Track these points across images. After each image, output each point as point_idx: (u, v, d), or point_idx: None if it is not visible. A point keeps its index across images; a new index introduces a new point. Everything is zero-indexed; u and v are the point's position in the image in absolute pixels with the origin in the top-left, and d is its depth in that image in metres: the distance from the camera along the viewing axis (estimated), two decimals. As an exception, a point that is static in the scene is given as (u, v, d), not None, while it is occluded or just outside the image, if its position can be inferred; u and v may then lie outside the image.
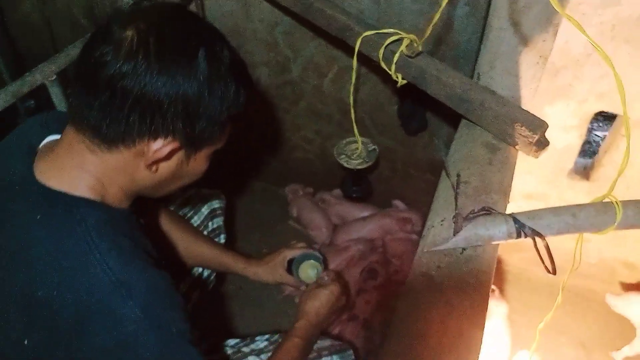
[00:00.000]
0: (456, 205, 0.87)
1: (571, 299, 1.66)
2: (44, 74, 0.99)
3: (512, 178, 0.96)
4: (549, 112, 1.34)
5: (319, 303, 1.12)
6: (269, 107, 1.82)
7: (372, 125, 1.72)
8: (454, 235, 0.81)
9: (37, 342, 0.65)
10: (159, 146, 0.69)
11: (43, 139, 0.77)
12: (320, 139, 1.86)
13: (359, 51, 1.17)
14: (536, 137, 0.96)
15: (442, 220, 0.86)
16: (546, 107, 1.33)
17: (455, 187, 0.91)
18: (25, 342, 0.64)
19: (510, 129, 0.99)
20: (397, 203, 1.85)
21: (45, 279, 0.64)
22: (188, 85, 0.66)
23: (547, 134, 0.99)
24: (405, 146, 1.72)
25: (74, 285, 0.63)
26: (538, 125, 0.97)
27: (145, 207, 1.03)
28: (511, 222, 0.79)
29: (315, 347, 1.11)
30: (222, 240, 1.42)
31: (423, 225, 1.74)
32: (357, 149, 1.38)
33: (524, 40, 0.98)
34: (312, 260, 1.27)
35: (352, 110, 1.31)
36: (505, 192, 0.93)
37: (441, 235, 0.83)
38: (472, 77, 1.11)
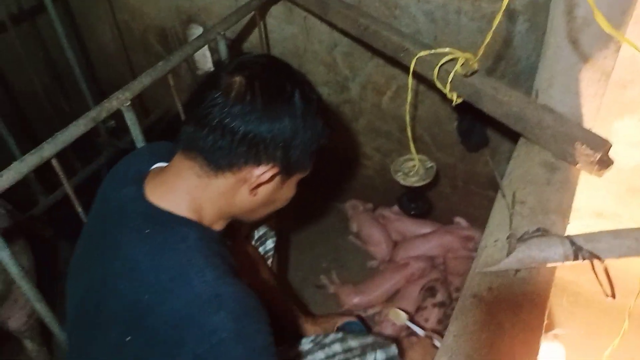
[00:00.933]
0: (510, 225, 0.86)
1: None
2: (120, 101, 1.09)
3: (572, 199, 0.94)
4: (617, 128, 1.28)
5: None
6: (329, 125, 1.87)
7: (432, 142, 1.71)
8: (507, 256, 0.80)
9: (139, 342, 0.72)
10: (262, 171, 0.79)
11: (152, 166, 0.88)
12: (380, 156, 1.88)
13: (415, 70, 1.19)
14: (598, 155, 0.93)
15: (495, 241, 0.86)
16: (615, 123, 1.28)
17: (510, 207, 0.90)
18: (128, 339, 0.72)
19: (570, 148, 0.96)
20: (459, 220, 1.82)
21: (151, 286, 0.73)
22: (288, 122, 0.78)
23: (618, 151, 0.96)
24: (465, 162, 1.70)
25: (175, 294, 0.71)
26: (600, 144, 0.94)
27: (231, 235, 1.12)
28: (567, 244, 0.78)
29: (358, 344, 1.15)
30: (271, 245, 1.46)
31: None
32: (414, 166, 1.39)
33: (584, 58, 0.95)
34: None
35: (409, 129, 1.32)
36: (564, 213, 0.90)
37: (494, 256, 0.83)
38: (531, 94, 1.10)
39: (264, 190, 0.84)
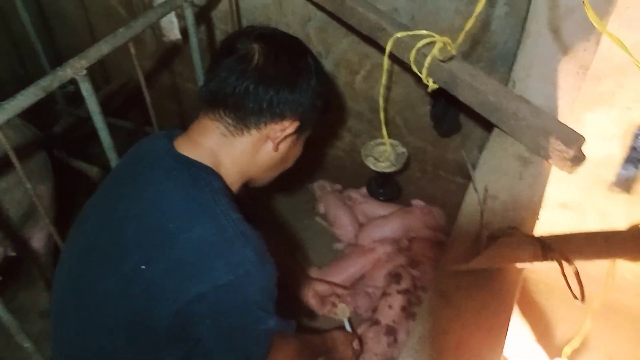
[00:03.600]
0: (481, 221, 0.83)
1: (603, 312, 1.59)
2: (75, 69, 1.00)
3: (543, 194, 0.92)
4: (588, 120, 1.27)
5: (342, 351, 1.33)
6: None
7: (404, 125, 1.67)
8: (477, 254, 0.77)
9: (157, 269, 0.76)
10: (286, 126, 0.86)
11: (178, 135, 0.92)
12: (351, 136, 1.84)
13: (391, 51, 1.14)
14: (572, 152, 0.91)
15: (465, 237, 0.83)
16: (586, 115, 1.26)
17: (481, 201, 0.87)
18: (142, 267, 0.77)
19: (544, 142, 0.94)
20: (416, 202, 1.80)
21: (177, 215, 0.78)
22: (307, 82, 0.87)
23: (587, 142, 0.94)
24: (436, 147, 1.67)
25: (201, 223, 0.77)
26: (574, 140, 0.92)
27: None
28: (537, 244, 0.76)
29: None
30: None
31: (448, 223, 1.69)
32: (385, 151, 1.35)
33: (564, 48, 0.92)
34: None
35: (382, 113, 1.28)
36: (534, 210, 0.88)
37: (463, 254, 0.80)
38: (507, 83, 1.06)
39: (283, 146, 0.91)
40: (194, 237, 0.76)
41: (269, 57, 0.84)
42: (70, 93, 2.21)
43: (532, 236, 0.78)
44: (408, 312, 1.56)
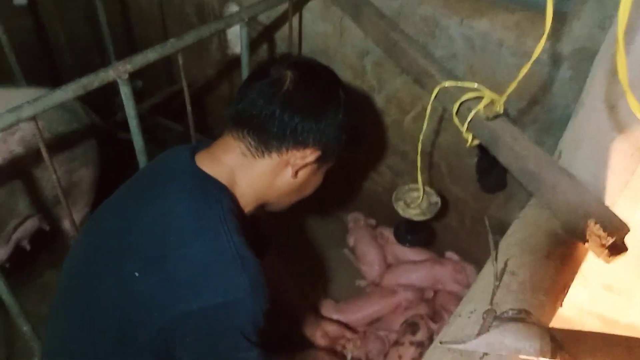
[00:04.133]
0: (492, 299, 0.77)
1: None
2: (118, 72, 1.03)
3: (571, 279, 0.84)
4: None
5: None
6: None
7: (447, 173, 1.61)
8: (477, 335, 0.71)
9: (151, 279, 0.77)
10: (307, 154, 0.87)
11: (202, 149, 0.94)
12: (391, 175, 1.79)
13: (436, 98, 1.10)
14: (611, 240, 0.82)
15: (471, 312, 0.77)
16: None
17: (497, 277, 0.81)
18: (136, 274, 0.77)
19: (582, 223, 0.86)
20: (450, 254, 1.72)
21: (181, 230, 0.78)
22: (334, 114, 0.88)
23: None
24: (478, 201, 1.59)
25: (204, 243, 0.77)
26: (617, 227, 0.83)
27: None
28: (547, 339, 0.68)
29: None
30: None
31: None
32: (418, 197, 1.30)
33: (619, 127, 0.84)
34: None
35: (419, 158, 1.23)
36: (557, 296, 0.81)
37: (465, 330, 0.74)
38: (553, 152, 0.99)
39: (303, 174, 0.91)
40: (191, 253, 0.76)
41: (300, 85, 0.86)
42: (137, 88, 2.32)
43: (543, 327, 0.70)
44: (418, 368, 1.48)
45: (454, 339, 0.74)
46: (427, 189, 1.30)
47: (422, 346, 1.51)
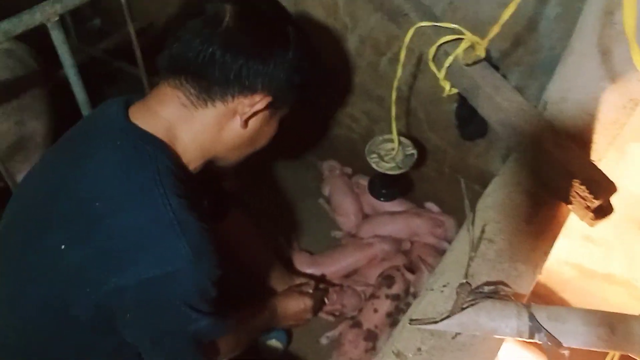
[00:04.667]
0: (467, 271, 0.70)
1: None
2: (46, 14, 0.89)
3: (551, 246, 0.78)
4: (632, 152, 1.09)
5: (289, 306, 1.24)
6: (318, 76, 1.66)
7: (425, 119, 1.52)
8: (450, 313, 0.65)
9: (79, 252, 0.69)
10: (256, 100, 0.77)
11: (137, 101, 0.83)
12: (368, 121, 1.69)
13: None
14: (597, 202, 0.75)
15: (444, 286, 0.71)
16: (631, 145, 1.08)
17: (473, 245, 0.74)
18: (62, 247, 0.70)
19: (565, 183, 0.78)
20: (430, 205, 1.66)
21: (109, 195, 0.70)
22: (283, 53, 0.76)
23: (626, 175, 0.78)
24: (457, 149, 1.51)
25: (135, 209, 0.69)
26: (604, 187, 0.76)
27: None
28: (525, 318, 0.62)
29: None
30: None
31: (455, 234, 1.55)
32: (393, 149, 1.21)
33: (612, 75, 0.75)
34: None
35: (393, 108, 1.13)
36: (536, 264, 0.74)
37: (436, 307, 0.68)
38: (537, 104, 0.90)
39: (253, 123, 0.81)
40: (121, 222, 0.69)
41: (241, 21, 0.74)
42: (95, 28, 2.12)
43: (521, 305, 0.64)
44: (394, 319, 1.46)
45: (424, 316, 0.67)
46: (403, 139, 1.21)
47: (398, 299, 1.48)
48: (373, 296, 1.49)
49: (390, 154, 1.20)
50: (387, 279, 1.51)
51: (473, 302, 0.65)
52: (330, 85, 1.68)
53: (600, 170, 0.78)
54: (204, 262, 0.71)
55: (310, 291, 1.32)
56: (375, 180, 1.42)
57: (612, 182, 0.76)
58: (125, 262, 0.68)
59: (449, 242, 1.60)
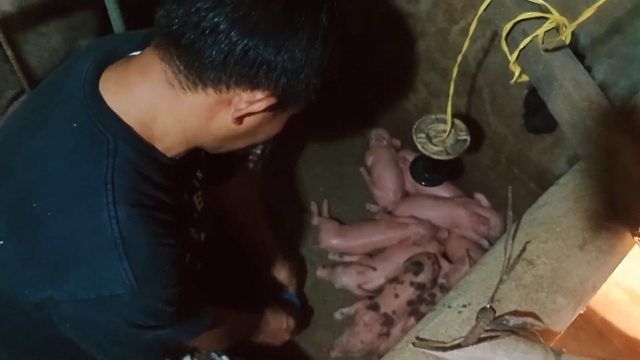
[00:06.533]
0: (493, 295, 0.60)
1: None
2: None
3: (603, 280, 0.65)
4: None
5: (270, 321, 1.13)
6: (380, 38, 1.53)
7: (489, 101, 1.37)
8: (462, 343, 0.55)
9: (15, 253, 0.62)
10: (257, 99, 0.62)
11: (130, 52, 0.69)
12: (427, 93, 1.55)
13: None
14: (672, 240, 0.62)
15: (463, 306, 0.61)
16: None
17: (508, 263, 0.63)
18: (1, 242, 0.62)
19: (638, 211, 0.65)
20: (480, 197, 1.53)
21: (49, 193, 0.60)
22: (305, 44, 0.60)
23: None
24: (518, 140, 1.36)
25: (74, 217, 0.59)
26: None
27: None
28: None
29: None
30: None
31: (499, 233, 1.42)
32: (444, 131, 1.08)
33: None
34: None
35: (452, 86, 1.00)
36: (581, 298, 0.63)
37: (449, 329, 0.59)
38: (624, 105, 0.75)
39: (250, 121, 0.66)
40: (57, 230, 0.59)
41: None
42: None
43: (548, 348, 0.54)
44: (414, 308, 1.38)
45: (434, 337, 0.58)
46: (458, 122, 1.08)
47: (423, 288, 1.39)
48: (396, 280, 1.41)
49: (440, 136, 1.07)
50: (415, 265, 1.42)
51: (493, 335, 0.55)
52: (392, 48, 1.54)
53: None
54: (151, 288, 0.61)
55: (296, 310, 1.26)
56: (420, 162, 1.30)
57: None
58: (59, 277, 0.59)
59: (491, 241, 1.48)
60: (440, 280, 1.42)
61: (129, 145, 0.61)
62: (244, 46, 0.57)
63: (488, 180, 1.54)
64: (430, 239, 1.50)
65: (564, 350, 0.53)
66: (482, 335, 0.55)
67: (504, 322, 0.56)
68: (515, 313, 0.58)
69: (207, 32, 0.57)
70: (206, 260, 0.92)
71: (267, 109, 0.64)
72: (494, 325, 0.56)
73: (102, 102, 0.62)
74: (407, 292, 1.38)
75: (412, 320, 1.36)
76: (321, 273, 1.49)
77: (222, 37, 0.56)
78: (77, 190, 0.59)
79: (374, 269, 1.44)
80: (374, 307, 1.37)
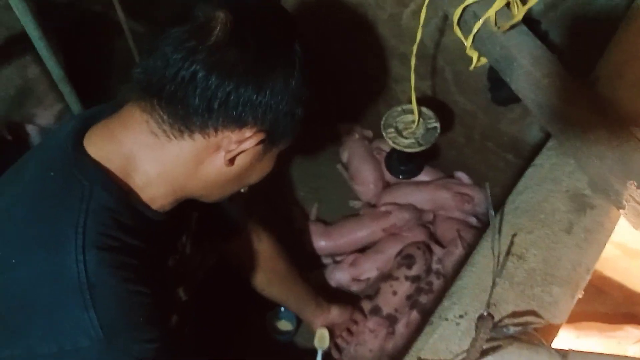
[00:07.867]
0: (490, 297, 0.57)
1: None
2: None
3: (595, 261, 0.64)
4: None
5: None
6: (332, 30, 1.49)
7: (453, 80, 1.34)
8: (466, 355, 0.53)
9: None
10: (246, 136, 0.62)
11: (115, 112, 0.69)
12: (388, 80, 1.52)
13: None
14: (657, 209, 0.60)
15: (460, 316, 0.58)
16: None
17: (499, 263, 0.61)
18: None
19: (618, 184, 0.63)
20: (461, 175, 1.51)
21: (12, 240, 0.58)
22: (284, 78, 0.61)
23: None
24: (488, 115, 1.34)
25: (37, 263, 0.56)
26: (667, 191, 0.61)
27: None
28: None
29: None
30: None
31: (486, 209, 1.40)
32: (412, 122, 1.06)
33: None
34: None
35: (413, 75, 0.97)
36: (577, 284, 0.61)
37: (449, 344, 0.56)
38: (585, 80, 0.73)
39: (241, 160, 0.66)
40: (16, 278, 0.56)
41: (235, 34, 0.58)
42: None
43: (552, 351, 0.52)
44: (414, 300, 1.36)
45: (435, 354, 0.56)
46: (425, 110, 1.05)
47: (419, 280, 1.38)
48: (391, 277, 1.39)
49: (409, 127, 1.05)
50: (406, 259, 1.40)
51: (495, 345, 0.53)
52: (347, 41, 1.50)
53: (664, 167, 0.62)
54: (120, 341, 0.57)
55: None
56: (393, 155, 1.28)
57: (678, 184, 0.61)
58: (17, 331, 0.56)
59: (478, 217, 1.46)
60: (435, 266, 1.41)
61: (105, 191, 0.60)
62: (226, 91, 0.57)
63: (465, 158, 1.53)
64: (416, 224, 1.48)
65: (569, 351, 0.51)
66: (484, 347, 0.53)
67: (504, 329, 0.54)
68: (514, 314, 0.56)
69: (187, 80, 0.57)
70: (193, 322, 0.89)
71: (257, 144, 0.64)
72: (495, 333, 0.54)
73: (84, 152, 0.61)
74: (404, 287, 1.36)
75: (414, 313, 1.34)
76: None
77: (202, 83, 0.57)
78: (44, 234, 0.57)
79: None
80: (376, 311, 1.35)
